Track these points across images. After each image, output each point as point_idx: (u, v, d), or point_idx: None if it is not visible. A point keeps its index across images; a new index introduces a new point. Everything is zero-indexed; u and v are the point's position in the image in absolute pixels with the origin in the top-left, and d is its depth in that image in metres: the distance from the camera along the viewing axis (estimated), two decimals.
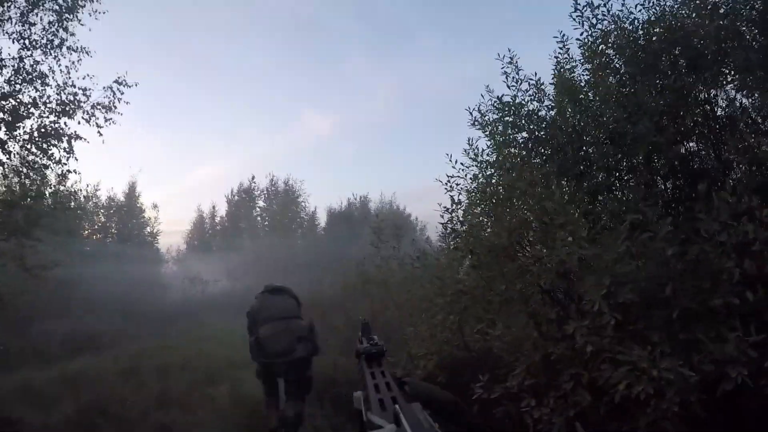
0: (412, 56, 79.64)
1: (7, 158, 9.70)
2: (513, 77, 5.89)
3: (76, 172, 10.67)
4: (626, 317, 3.60)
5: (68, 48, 10.24)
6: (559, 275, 4.03)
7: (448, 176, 5.93)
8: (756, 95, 5.04)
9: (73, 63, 10.31)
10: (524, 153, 5.75)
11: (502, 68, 5.93)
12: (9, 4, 9.42)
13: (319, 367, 7.82)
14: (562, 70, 5.93)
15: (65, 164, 10.22)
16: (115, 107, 10.90)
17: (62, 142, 10.00)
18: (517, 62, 5.91)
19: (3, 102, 9.42)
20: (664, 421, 3.24)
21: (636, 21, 5.53)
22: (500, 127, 5.93)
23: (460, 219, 5.53)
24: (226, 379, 9.02)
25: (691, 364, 3.26)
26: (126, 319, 17.02)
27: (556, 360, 3.93)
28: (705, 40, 5.07)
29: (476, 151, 6.03)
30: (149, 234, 29.86)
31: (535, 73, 5.94)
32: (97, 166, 62.78)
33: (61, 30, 10.06)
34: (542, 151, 5.69)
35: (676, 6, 5.50)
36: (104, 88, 10.65)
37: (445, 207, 5.54)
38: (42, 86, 9.84)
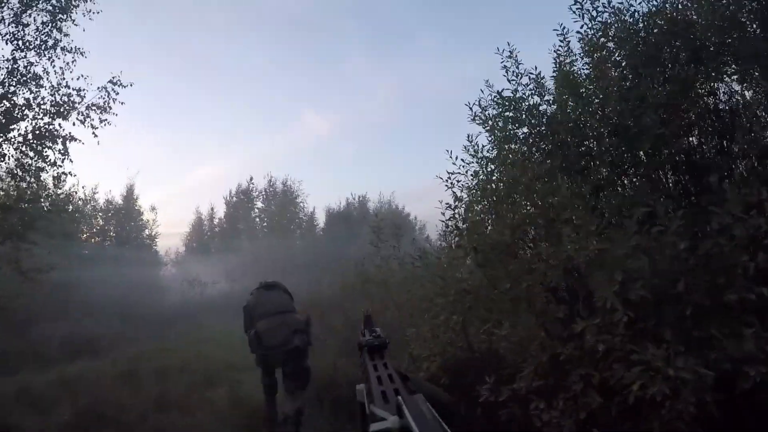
0: (412, 56, 79.39)
1: (2, 161, 9.56)
2: (513, 71, 5.78)
3: (71, 175, 10.52)
4: (637, 315, 3.44)
5: (62, 49, 10.10)
6: (566, 272, 3.87)
7: (448, 173, 5.81)
8: (761, 86, 4.94)
9: (68, 64, 10.18)
10: (525, 149, 5.63)
11: (502, 62, 5.81)
12: (2, 6, 9.27)
13: (319, 369, 7.70)
14: (562, 63, 5.81)
15: (60, 166, 10.06)
16: (110, 108, 10.76)
17: (57, 143, 9.85)
18: (516, 56, 5.79)
19: None
20: (679, 422, 3.10)
21: (636, 13, 5.45)
22: (500, 123, 5.81)
23: (462, 216, 5.41)
24: (224, 381, 8.85)
25: (707, 362, 3.11)
26: (124, 322, 16.78)
27: (565, 360, 3.77)
28: (707, 32, 4.96)
29: (476, 147, 5.92)
30: (147, 236, 29.63)
31: (536, 67, 5.83)
32: (95, 168, 62.16)
33: (54, 30, 9.92)
34: (543, 146, 5.54)
35: None
36: (98, 88, 10.51)
37: (447, 204, 5.40)
38: (36, 88, 9.69)
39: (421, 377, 4.73)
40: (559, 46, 5.78)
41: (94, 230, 28.02)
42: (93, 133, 10.46)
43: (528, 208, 4.71)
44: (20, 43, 9.55)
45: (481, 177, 5.82)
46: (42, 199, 11.36)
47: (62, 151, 9.89)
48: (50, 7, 9.71)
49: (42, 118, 9.68)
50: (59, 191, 12.36)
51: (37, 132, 9.60)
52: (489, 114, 5.86)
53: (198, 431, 6.71)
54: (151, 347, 13.20)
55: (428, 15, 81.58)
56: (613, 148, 4.86)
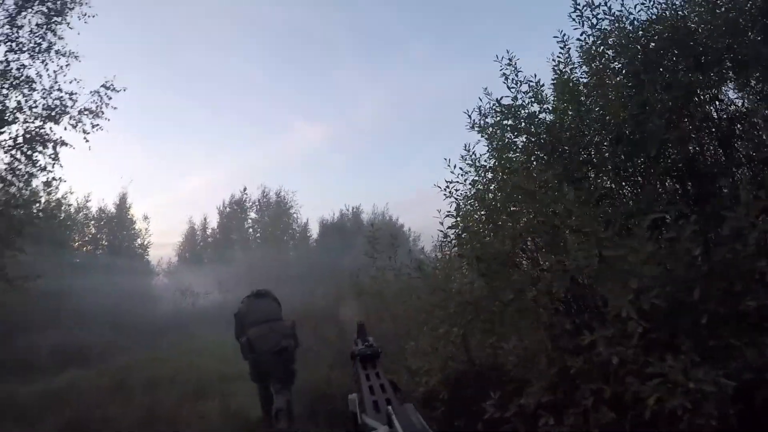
0: (403, 66, 79.30)
1: None
2: (512, 79, 5.66)
3: (61, 180, 10.30)
4: (650, 324, 3.25)
5: (57, 52, 9.94)
6: (575, 282, 3.68)
7: (447, 182, 5.67)
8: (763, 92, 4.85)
9: (62, 68, 10.01)
10: (524, 157, 5.48)
11: (501, 70, 5.69)
12: None
13: (312, 381, 7.51)
14: (562, 71, 5.69)
15: (51, 171, 9.83)
16: (103, 113, 10.59)
17: (47, 148, 9.62)
18: (516, 63, 5.68)
19: None
20: None
21: (636, 21, 5.36)
22: (499, 131, 5.68)
23: (462, 225, 5.25)
24: (216, 392, 8.61)
25: (727, 372, 2.93)
26: (116, 332, 16.45)
27: (574, 374, 3.56)
28: (709, 38, 4.86)
29: (473, 156, 5.79)
30: (140, 246, 29.29)
31: (535, 75, 5.71)
32: (87, 176, 61.86)
33: (49, 33, 9.74)
34: (542, 155, 5.40)
35: (677, 3, 5.31)
36: (91, 92, 10.35)
37: (448, 211, 5.24)
38: (29, 91, 9.50)
39: (419, 393, 4.53)
40: (559, 53, 5.68)
41: (86, 238, 27.67)
42: (84, 138, 10.31)
43: (530, 216, 4.52)
44: (14, 44, 9.39)
45: (479, 186, 5.69)
46: (31, 205, 11.07)
47: (53, 156, 9.68)
48: (45, 9, 9.55)
49: (33, 122, 9.50)
50: (50, 197, 12.09)
51: (28, 136, 9.39)
52: (488, 122, 5.73)
53: None
54: (142, 357, 12.94)
55: (419, 26, 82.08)
56: (615, 156, 4.71)
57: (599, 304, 3.65)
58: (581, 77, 5.66)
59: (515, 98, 5.54)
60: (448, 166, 5.68)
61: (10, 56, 9.37)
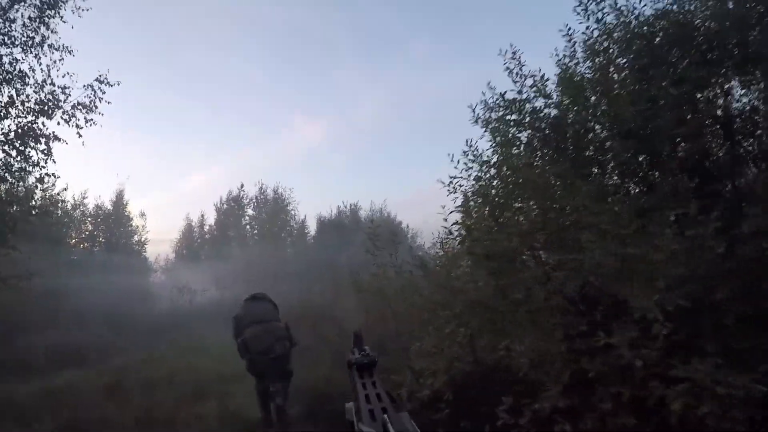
0: (403, 65, 78.96)
1: None
2: (516, 73, 5.51)
3: (54, 176, 10.08)
4: (673, 325, 3.07)
5: (50, 46, 9.72)
6: (588, 281, 3.49)
7: (450, 177, 5.52)
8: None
9: (55, 62, 9.79)
10: (528, 152, 5.33)
11: (504, 64, 5.55)
12: None
13: (311, 382, 7.36)
14: (567, 65, 5.54)
15: (44, 167, 9.62)
16: (96, 107, 10.37)
17: (40, 143, 9.40)
18: (519, 58, 5.53)
19: None
20: None
21: (641, 15, 5.25)
22: (502, 126, 5.53)
23: (466, 222, 5.09)
24: (214, 393, 8.44)
25: (755, 376, 2.76)
26: (113, 331, 16.25)
27: (592, 377, 3.38)
28: (717, 33, 4.71)
29: (476, 152, 5.64)
30: (137, 243, 29.08)
31: (539, 69, 5.57)
32: (85, 173, 61.50)
33: (42, 27, 9.52)
34: (546, 151, 5.25)
35: None
36: (84, 86, 10.09)
37: (457, 206, 5.08)
38: (22, 85, 9.27)
39: (424, 395, 4.34)
40: (565, 47, 5.54)
41: (83, 235, 27.48)
42: (78, 133, 10.10)
43: (536, 212, 4.34)
44: (6, 38, 9.18)
45: (481, 183, 5.54)
46: (24, 203, 10.87)
47: (45, 152, 9.46)
48: (38, 3, 9.35)
49: (25, 117, 9.28)
50: (43, 194, 11.87)
51: (20, 131, 9.17)
52: (492, 116, 5.58)
53: None
54: (140, 357, 12.82)
55: (418, 25, 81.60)
56: (626, 152, 4.54)
57: (614, 304, 3.46)
58: (585, 72, 5.53)
59: (520, 92, 5.39)
60: (452, 161, 5.56)
61: (2, 50, 9.22)
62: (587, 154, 5.04)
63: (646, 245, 3.14)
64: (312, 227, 36.28)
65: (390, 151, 73.32)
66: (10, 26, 9.18)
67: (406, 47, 76.81)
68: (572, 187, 4.01)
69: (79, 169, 55.75)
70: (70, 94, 9.88)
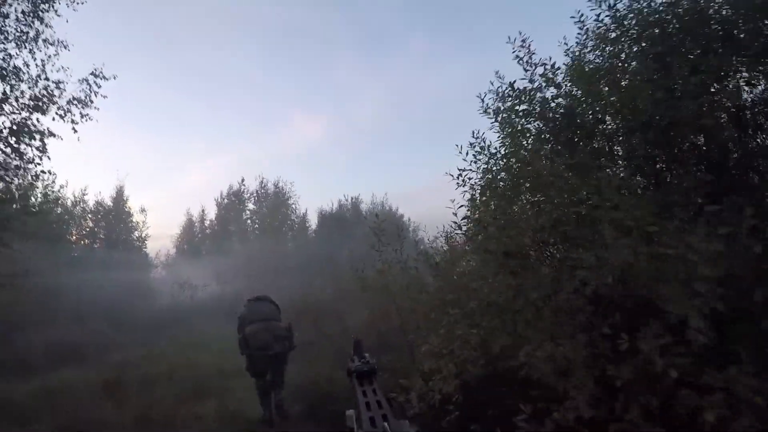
0: (403, 60, 78.98)
1: None
2: (527, 61, 5.26)
3: (50, 173, 9.82)
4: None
5: (44, 41, 9.43)
6: (615, 281, 3.23)
7: (459, 170, 5.29)
8: None
9: (50, 57, 9.49)
10: (539, 144, 5.09)
11: (514, 52, 5.30)
12: None
13: (314, 381, 7.19)
14: (580, 52, 5.29)
15: (39, 164, 9.34)
16: (92, 102, 10.10)
17: (35, 140, 9.10)
18: (530, 45, 5.28)
19: None
20: None
21: (653, 2, 4.97)
22: (512, 116, 5.29)
23: (473, 216, 4.87)
24: (214, 390, 8.27)
25: None
26: (113, 327, 16.06)
27: (619, 385, 3.13)
28: (736, 21, 4.44)
29: (482, 143, 5.42)
30: (137, 239, 28.72)
31: (550, 58, 5.32)
32: (85, 170, 61.18)
33: (36, 21, 9.21)
34: (557, 142, 5.00)
35: None
36: (79, 80, 9.81)
37: (471, 198, 4.84)
38: (16, 81, 8.99)
39: (435, 400, 4.09)
40: (577, 34, 5.27)
41: (84, 232, 27.22)
42: (73, 128, 9.83)
43: (552, 206, 4.07)
44: None
45: (488, 176, 5.32)
46: (19, 201, 10.61)
47: (40, 148, 9.18)
48: None
49: (20, 113, 8.99)
50: (39, 191, 11.60)
51: (14, 127, 8.89)
52: (501, 107, 5.34)
53: None
54: (140, 353, 12.72)
55: (419, 20, 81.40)
56: (645, 143, 4.27)
57: (641, 305, 3.21)
58: (596, 60, 5.28)
59: (532, 80, 5.14)
60: (461, 152, 5.33)
61: None
62: (599, 145, 4.79)
63: (680, 244, 2.86)
64: (313, 221, 35.97)
65: (389, 146, 73.36)
66: (4, 21, 8.88)
67: (406, 44, 76.87)
68: (589, 179, 3.75)
69: (80, 166, 55.63)
70: (64, 89, 9.63)
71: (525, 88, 5.16)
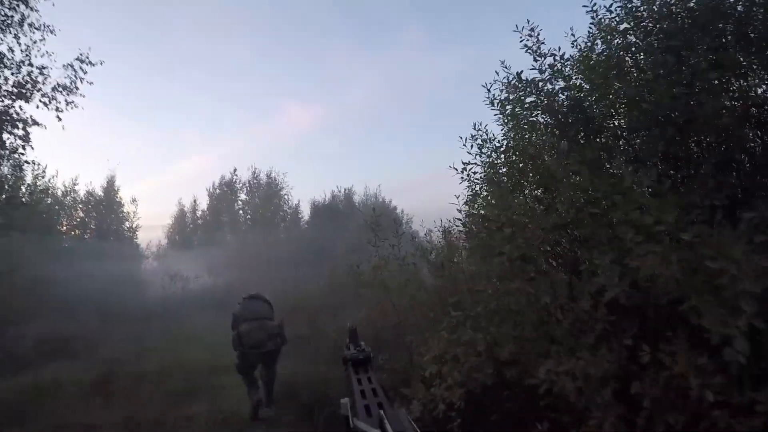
0: (397, 48, 78.32)
1: None
2: (535, 50, 4.97)
3: (34, 163, 9.44)
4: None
5: (30, 25, 8.99)
6: (640, 289, 2.94)
7: (464, 163, 5.03)
8: None
9: (35, 42, 9.06)
10: (551, 138, 4.81)
11: (522, 41, 5.00)
12: None
13: (309, 382, 6.96)
14: (593, 43, 5.00)
15: (23, 153, 8.94)
16: (78, 89, 9.67)
17: (17, 128, 8.69)
18: (538, 34, 4.99)
19: None
20: None
21: None
22: (518, 108, 5.01)
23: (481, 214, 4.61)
24: (206, 389, 8.06)
25: None
26: (104, 320, 15.80)
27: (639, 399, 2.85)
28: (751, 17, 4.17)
29: (484, 136, 5.16)
30: (128, 229, 28.38)
31: (559, 48, 5.03)
32: (76, 160, 60.37)
33: (21, 5, 8.78)
34: (564, 137, 4.71)
35: None
36: (64, 66, 9.37)
37: (474, 193, 4.58)
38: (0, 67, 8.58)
39: (440, 411, 3.81)
40: (591, 24, 4.97)
41: (75, 222, 26.81)
42: (57, 116, 9.40)
43: (567, 206, 3.78)
44: None
45: (490, 170, 5.07)
46: (4, 191, 10.22)
47: (23, 137, 8.77)
48: None
49: (2, 101, 8.58)
50: (28, 181, 11.21)
51: None
52: (510, 97, 5.06)
53: None
54: (130, 347, 12.50)
55: (414, 6, 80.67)
56: (663, 141, 3.98)
57: (668, 317, 2.94)
58: (605, 52, 4.98)
59: (541, 70, 4.85)
60: (464, 145, 5.11)
61: None
62: (612, 142, 4.53)
63: (720, 256, 2.57)
64: (306, 212, 35.61)
65: (383, 136, 73.08)
66: None
67: (400, 34, 76.14)
68: (606, 177, 3.48)
69: (71, 156, 54.89)
70: (49, 75, 9.19)
71: (534, 78, 4.87)
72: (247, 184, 34.90)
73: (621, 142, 4.59)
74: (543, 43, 4.93)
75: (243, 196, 35.14)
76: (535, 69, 4.90)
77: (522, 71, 4.99)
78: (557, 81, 4.93)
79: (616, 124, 4.69)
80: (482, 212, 4.59)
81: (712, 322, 2.52)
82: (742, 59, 4.09)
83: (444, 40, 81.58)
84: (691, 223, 3.01)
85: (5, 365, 10.31)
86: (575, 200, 3.66)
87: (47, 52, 9.20)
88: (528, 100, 4.96)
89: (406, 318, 6.55)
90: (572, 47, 5.17)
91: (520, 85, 4.98)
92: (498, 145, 5.27)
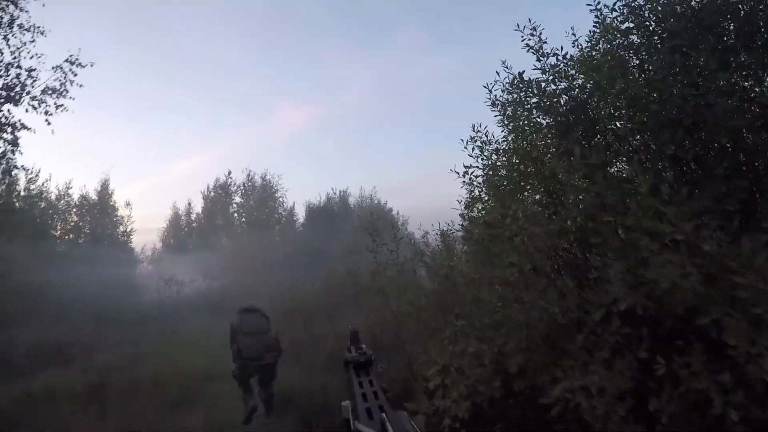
0: (392, 49, 78.18)
1: None
2: (537, 50, 4.83)
3: (23, 168, 9.22)
4: None
5: (20, 26, 8.75)
6: (656, 300, 2.76)
7: (465, 166, 4.87)
8: None
9: (25, 44, 8.82)
10: (554, 140, 4.66)
11: (523, 40, 4.86)
12: None
13: (307, 390, 6.81)
14: (598, 40, 4.86)
15: (11, 159, 8.70)
16: (67, 91, 9.45)
17: (5, 132, 8.45)
18: (540, 33, 4.84)
19: None
20: None
21: None
22: (520, 109, 4.87)
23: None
24: (202, 398, 7.86)
25: None
26: (98, 325, 15.51)
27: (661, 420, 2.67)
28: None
29: (484, 137, 5.02)
30: (123, 233, 28.08)
31: (561, 47, 4.89)
32: (69, 163, 59.97)
33: (11, 6, 8.55)
34: (566, 139, 4.56)
35: None
36: (53, 68, 9.12)
37: (473, 197, 4.43)
38: None
39: (446, 425, 3.64)
40: (595, 22, 4.82)
41: (69, 227, 26.47)
42: (46, 120, 9.15)
43: (578, 210, 3.60)
44: None
45: (489, 172, 4.93)
46: None
47: (12, 142, 8.53)
48: None
49: None
50: (21, 186, 10.97)
51: None
52: (510, 99, 4.92)
53: None
54: (124, 354, 12.17)
55: (412, 6, 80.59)
56: (673, 144, 3.82)
57: (680, 325, 2.78)
58: (609, 52, 4.84)
59: (544, 70, 4.70)
60: (465, 148, 4.93)
61: None
62: (618, 145, 4.37)
63: (741, 266, 2.39)
64: (301, 215, 35.35)
65: (379, 137, 72.83)
66: None
67: (395, 35, 76.01)
68: (617, 183, 3.32)
69: (64, 158, 54.49)
70: (38, 78, 8.94)
71: (536, 79, 4.72)
72: (242, 187, 34.69)
73: (625, 145, 4.43)
74: (545, 42, 4.80)
75: (238, 199, 34.92)
76: (537, 69, 4.77)
77: (524, 71, 4.86)
78: (560, 81, 4.79)
79: (620, 125, 4.53)
80: (483, 216, 4.41)
81: (737, 339, 2.35)
82: (748, 60, 3.95)
83: (442, 39, 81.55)
84: (705, 229, 2.85)
85: None
86: (584, 206, 3.49)
87: (36, 54, 9.02)
88: (532, 101, 4.82)
89: (405, 324, 6.38)
90: (573, 47, 5.06)
91: (521, 86, 4.84)
92: (498, 147, 5.13)
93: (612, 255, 3.15)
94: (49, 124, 9.19)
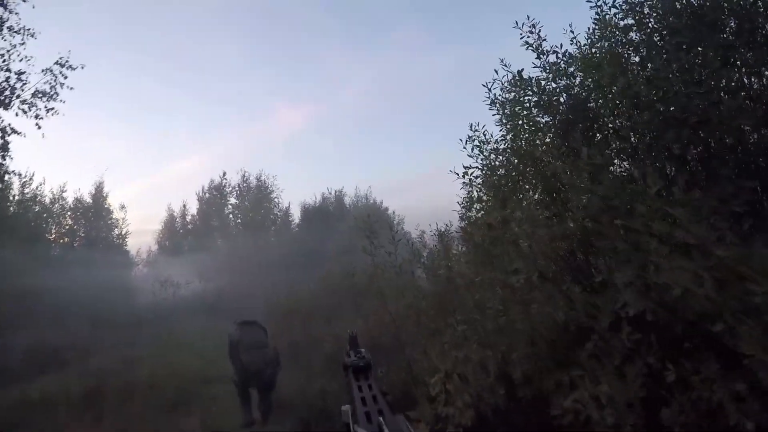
0: (389, 49, 77.91)
1: None
2: (536, 47, 4.75)
3: (15, 173, 9.05)
4: None
5: (9, 29, 8.58)
6: (661, 305, 2.65)
7: (464, 167, 4.77)
8: None
9: (15, 46, 8.64)
10: (555, 140, 4.56)
11: (522, 37, 4.78)
12: None
13: (305, 395, 6.71)
14: (599, 36, 4.76)
15: (2, 164, 8.53)
16: (57, 94, 9.26)
17: None
18: (540, 31, 4.75)
19: None
20: None
21: None
22: (518, 108, 4.78)
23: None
24: (198, 401, 7.76)
25: None
26: (94, 328, 15.40)
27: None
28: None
29: (482, 137, 4.92)
30: (118, 236, 27.74)
31: (561, 45, 4.80)
32: (63, 166, 59.44)
33: (0, 8, 8.38)
34: (566, 138, 4.45)
35: None
36: (43, 71, 8.95)
37: (471, 198, 4.32)
38: None
39: None
40: (596, 18, 4.72)
41: (63, 230, 26.19)
42: (36, 124, 9.00)
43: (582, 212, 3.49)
44: None
45: (487, 172, 4.83)
46: None
47: (2, 147, 8.36)
48: None
49: None
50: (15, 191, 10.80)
51: None
52: (509, 98, 4.82)
53: None
54: (120, 357, 12.07)
55: (411, 6, 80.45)
56: (678, 143, 3.72)
57: (691, 331, 2.67)
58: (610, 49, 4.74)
59: (544, 68, 4.60)
60: (464, 148, 4.86)
61: None
62: (622, 144, 4.27)
63: (757, 273, 2.29)
64: (296, 215, 35.13)
65: (375, 137, 72.33)
66: None
67: (395, 32, 75.84)
68: (625, 184, 3.22)
69: (58, 161, 54.10)
70: (27, 81, 8.75)
71: (536, 77, 4.64)
72: (237, 188, 34.41)
73: (627, 144, 4.33)
74: (544, 40, 4.72)
75: (233, 200, 34.63)
76: (536, 67, 4.70)
77: (523, 69, 4.77)
78: (560, 79, 4.70)
79: (622, 123, 4.43)
80: (482, 216, 4.31)
81: (753, 348, 2.25)
82: (751, 58, 3.86)
83: (441, 39, 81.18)
84: (715, 231, 2.75)
85: None
86: (589, 208, 3.37)
87: (26, 57, 8.83)
88: (530, 99, 4.72)
89: (404, 326, 6.27)
90: (571, 44, 4.97)
91: (521, 84, 4.74)
92: (497, 146, 5.04)
93: (619, 259, 3.03)
94: (39, 128, 9.07)
